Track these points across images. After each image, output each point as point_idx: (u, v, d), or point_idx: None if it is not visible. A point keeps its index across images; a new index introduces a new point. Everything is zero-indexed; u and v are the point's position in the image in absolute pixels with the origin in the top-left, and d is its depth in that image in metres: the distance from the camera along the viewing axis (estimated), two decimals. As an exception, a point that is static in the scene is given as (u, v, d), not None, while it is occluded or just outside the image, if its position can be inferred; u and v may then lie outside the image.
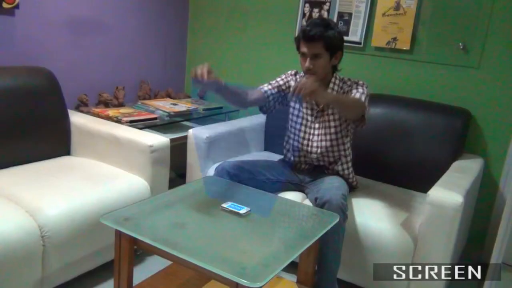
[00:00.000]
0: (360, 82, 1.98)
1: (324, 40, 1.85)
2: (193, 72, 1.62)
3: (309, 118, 2.06)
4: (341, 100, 1.89)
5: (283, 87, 2.06)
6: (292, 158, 2.14)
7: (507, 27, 2.22)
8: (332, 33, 1.87)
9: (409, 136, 2.29)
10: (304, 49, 1.89)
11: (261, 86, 2.05)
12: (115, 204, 1.82)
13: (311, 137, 2.06)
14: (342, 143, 2.04)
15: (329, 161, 2.07)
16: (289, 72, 2.11)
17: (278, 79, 2.08)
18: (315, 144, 2.05)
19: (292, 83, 2.07)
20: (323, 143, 2.03)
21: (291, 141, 2.13)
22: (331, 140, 2.03)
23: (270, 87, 2.04)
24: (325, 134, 2.03)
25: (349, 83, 2.01)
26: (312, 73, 1.90)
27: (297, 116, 2.08)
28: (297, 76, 2.09)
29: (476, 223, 2.39)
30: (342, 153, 2.06)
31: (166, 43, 3.19)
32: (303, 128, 2.07)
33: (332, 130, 2.02)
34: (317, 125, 2.05)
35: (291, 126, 2.11)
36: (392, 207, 1.99)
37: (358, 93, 1.91)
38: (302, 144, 2.07)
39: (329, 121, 2.02)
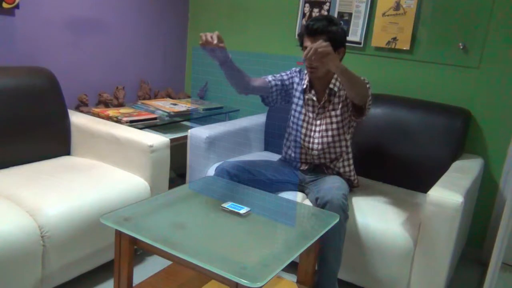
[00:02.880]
0: (361, 78, 1.97)
1: (327, 34, 1.85)
2: (203, 37, 1.62)
3: (311, 114, 2.06)
4: (350, 73, 1.80)
5: (287, 82, 2.06)
6: (293, 154, 2.14)
7: (507, 27, 2.22)
8: (336, 28, 1.87)
9: (409, 136, 2.29)
10: (307, 43, 1.88)
11: (265, 76, 2.05)
12: (115, 204, 1.83)
13: (312, 133, 2.06)
14: (344, 139, 2.04)
15: (331, 158, 2.07)
16: (293, 69, 2.11)
17: (283, 73, 2.08)
18: (316, 140, 2.05)
19: (296, 80, 2.07)
20: (325, 139, 2.03)
21: (292, 138, 2.12)
22: (332, 136, 2.03)
23: (274, 78, 2.04)
24: (327, 130, 2.03)
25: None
26: (315, 67, 1.90)
27: (299, 113, 2.08)
28: (302, 74, 2.09)
29: (476, 223, 2.39)
30: (344, 149, 2.05)
31: (166, 43, 3.19)
32: (304, 124, 2.07)
33: (334, 126, 2.02)
34: (318, 122, 2.05)
35: (292, 123, 2.11)
36: (392, 207, 1.99)
37: None
38: (304, 140, 2.07)
39: (330, 117, 2.02)
